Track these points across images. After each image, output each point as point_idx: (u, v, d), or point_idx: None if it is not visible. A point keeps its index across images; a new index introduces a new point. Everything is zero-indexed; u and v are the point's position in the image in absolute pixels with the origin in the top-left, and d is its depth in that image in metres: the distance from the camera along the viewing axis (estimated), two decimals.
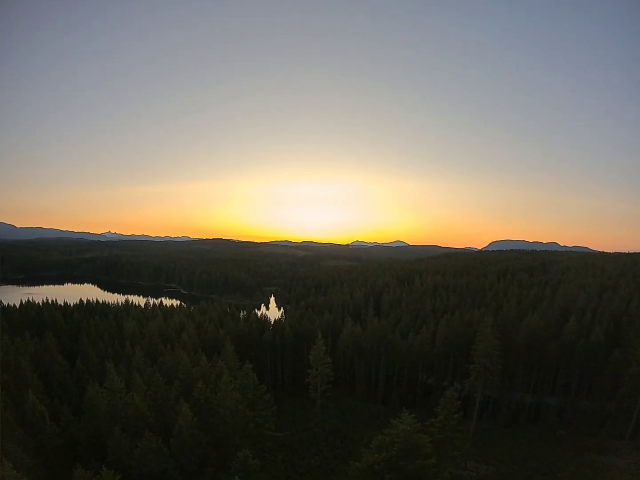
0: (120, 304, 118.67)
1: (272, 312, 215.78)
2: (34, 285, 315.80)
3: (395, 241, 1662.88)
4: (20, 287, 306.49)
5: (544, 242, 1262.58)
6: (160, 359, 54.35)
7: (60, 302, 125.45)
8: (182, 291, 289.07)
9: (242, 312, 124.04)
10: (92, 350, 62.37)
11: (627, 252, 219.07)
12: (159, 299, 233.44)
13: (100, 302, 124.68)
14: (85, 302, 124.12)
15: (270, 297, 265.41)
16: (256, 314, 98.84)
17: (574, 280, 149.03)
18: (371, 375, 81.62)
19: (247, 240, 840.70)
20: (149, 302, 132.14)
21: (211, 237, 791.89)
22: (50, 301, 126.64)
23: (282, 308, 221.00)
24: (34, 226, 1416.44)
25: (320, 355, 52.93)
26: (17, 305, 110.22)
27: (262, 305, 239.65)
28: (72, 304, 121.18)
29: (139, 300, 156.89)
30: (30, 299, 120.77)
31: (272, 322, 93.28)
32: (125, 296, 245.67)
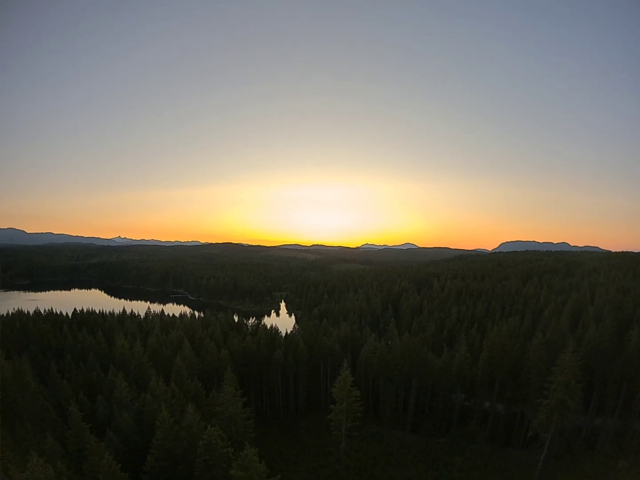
0: (116, 315, 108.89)
1: (283, 319, 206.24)
2: (40, 290, 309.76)
3: (405, 243, 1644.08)
4: (25, 292, 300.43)
5: (554, 242, 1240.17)
6: (143, 395, 43.65)
7: (62, 309, 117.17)
8: (190, 297, 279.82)
9: (251, 319, 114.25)
10: (69, 377, 52.15)
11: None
12: (164, 306, 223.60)
13: (98, 311, 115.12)
14: (80, 311, 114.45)
15: (281, 302, 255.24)
16: (265, 327, 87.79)
17: (607, 283, 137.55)
18: (399, 398, 70.24)
19: (256, 244, 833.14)
20: (150, 312, 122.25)
21: (221, 242, 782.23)
22: (44, 310, 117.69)
23: (293, 315, 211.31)
24: (44, 232, 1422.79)
25: (347, 388, 41.92)
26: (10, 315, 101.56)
27: (273, 311, 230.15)
28: (68, 313, 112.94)
29: (144, 307, 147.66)
30: (20, 308, 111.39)
31: (283, 336, 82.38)
32: (132, 302, 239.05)
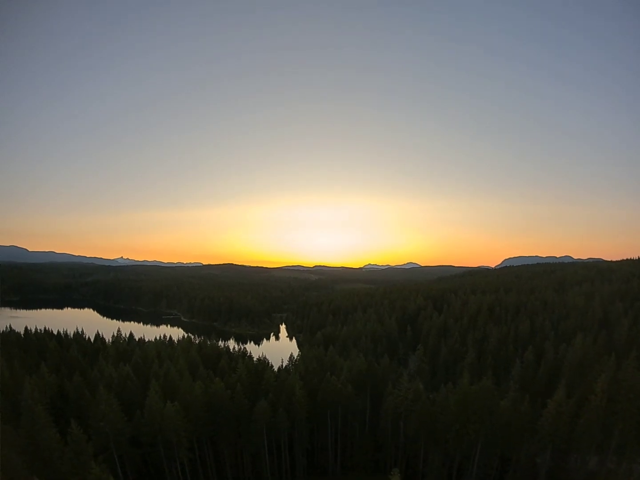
0: (64, 338, 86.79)
1: (283, 343, 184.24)
2: (30, 308, 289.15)
3: (407, 263, 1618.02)
4: (12, 310, 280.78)
5: (557, 256, 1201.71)
6: None
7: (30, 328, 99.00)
8: (183, 318, 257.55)
9: (247, 343, 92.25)
10: None
11: None
12: (157, 327, 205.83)
13: (57, 333, 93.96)
14: (34, 332, 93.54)
15: (281, 325, 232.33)
16: (250, 359, 64.56)
17: None
18: (453, 466, 47.17)
19: (258, 265, 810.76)
20: (119, 335, 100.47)
21: (222, 263, 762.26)
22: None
23: (294, 338, 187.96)
24: (46, 250, 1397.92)
25: None
26: None
27: (272, 334, 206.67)
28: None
29: (133, 328, 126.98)
30: None
31: (275, 373, 58.77)
32: (121, 323, 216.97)
